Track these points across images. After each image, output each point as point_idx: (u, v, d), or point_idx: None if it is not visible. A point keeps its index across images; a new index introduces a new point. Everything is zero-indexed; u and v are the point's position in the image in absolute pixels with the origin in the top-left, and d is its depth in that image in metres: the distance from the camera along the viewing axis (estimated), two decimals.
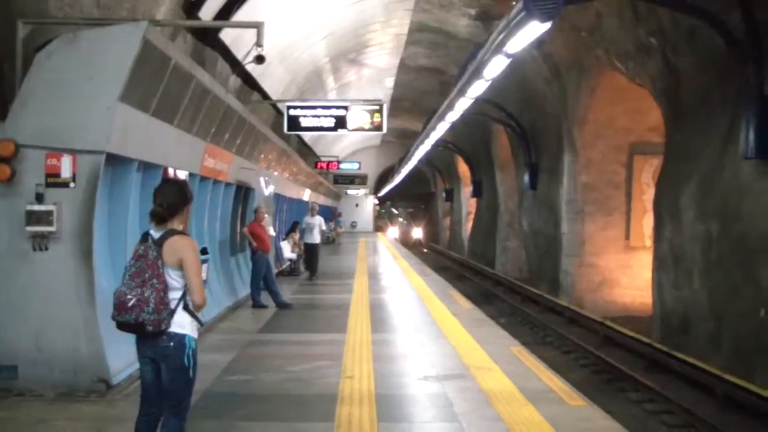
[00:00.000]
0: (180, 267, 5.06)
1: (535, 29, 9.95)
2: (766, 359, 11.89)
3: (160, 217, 5.19)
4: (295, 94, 21.66)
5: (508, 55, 11.32)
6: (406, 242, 57.27)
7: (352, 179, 47.88)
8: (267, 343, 11.64)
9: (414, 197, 77.64)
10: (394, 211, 71.83)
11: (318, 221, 21.10)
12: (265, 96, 18.78)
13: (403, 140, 49.57)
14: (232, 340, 11.60)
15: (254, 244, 15.37)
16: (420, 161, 41.34)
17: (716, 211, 13.82)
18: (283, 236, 22.59)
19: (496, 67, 12.26)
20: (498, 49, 11.06)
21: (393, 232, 65.40)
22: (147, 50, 8.06)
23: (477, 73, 12.90)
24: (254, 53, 10.53)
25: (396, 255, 33.01)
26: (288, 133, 19.72)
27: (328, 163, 36.84)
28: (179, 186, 5.60)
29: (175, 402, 5.12)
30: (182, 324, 5.10)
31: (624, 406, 11.96)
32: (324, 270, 22.79)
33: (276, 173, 21.35)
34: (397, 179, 52.57)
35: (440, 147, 36.01)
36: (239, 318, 14.06)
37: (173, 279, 5.07)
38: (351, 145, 48.90)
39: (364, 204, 65.02)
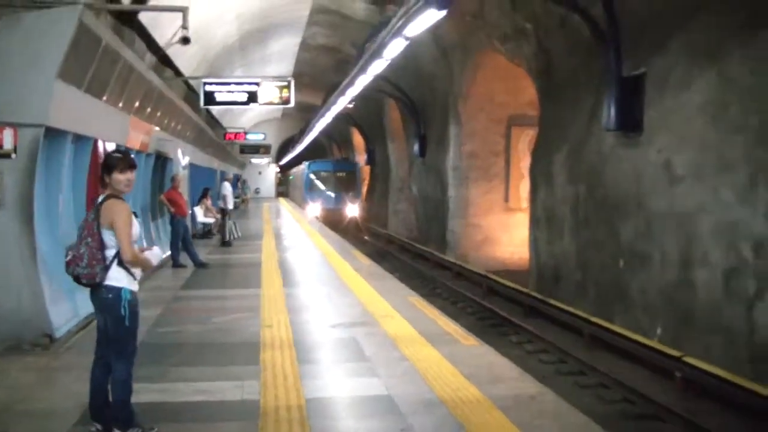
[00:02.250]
0: (113, 227, 5.20)
1: (432, 16, 10.23)
2: (623, 304, 12.60)
3: (103, 183, 5.34)
4: (205, 71, 21.44)
5: (407, 38, 11.60)
6: (335, 223, 35.34)
7: (257, 149, 47.65)
8: (190, 298, 11.72)
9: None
10: (314, 179, 41.04)
11: (230, 189, 20.98)
12: (177, 72, 18.62)
13: (302, 113, 49.36)
14: (157, 296, 11.60)
15: (172, 209, 15.38)
16: (319, 132, 41.35)
17: (583, 176, 14.41)
18: (196, 202, 22.51)
19: (395, 48, 12.52)
20: (398, 32, 11.31)
21: (314, 209, 39.41)
22: (82, 31, 8.10)
23: (377, 53, 13.15)
24: (180, 35, 10.58)
25: (299, 218, 33.07)
26: (200, 108, 19.60)
27: (236, 134, 36.81)
28: (122, 156, 5.73)
29: (119, 347, 5.27)
30: (119, 278, 5.23)
31: (507, 347, 12.44)
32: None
33: (190, 144, 21.25)
34: (299, 149, 52.42)
35: (338, 119, 36.13)
36: (161, 277, 14.05)
37: (108, 238, 5.20)
38: (254, 118, 48.54)
39: (266, 172, 64.88)
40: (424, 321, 9.49)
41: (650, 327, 11.57)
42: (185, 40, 10.82)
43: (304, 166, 43.47)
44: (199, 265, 15.39)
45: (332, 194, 40.00)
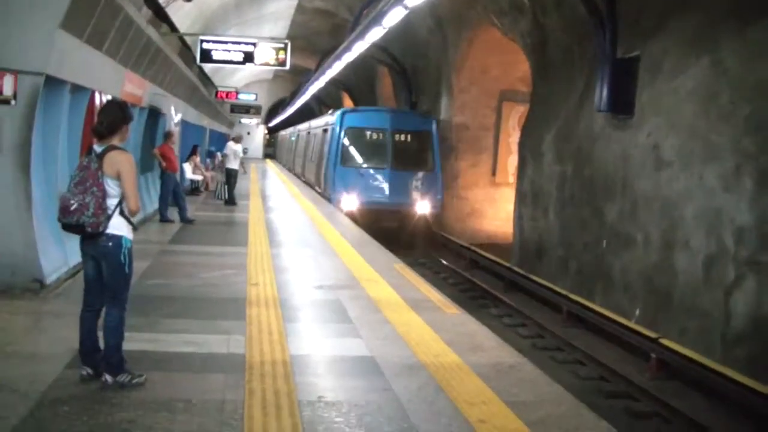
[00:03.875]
0: (117, 177, 5.32)
1: None
2: (604, 283, 12.84)
3: (100, 133, 5.44)
4: (200, 28, 21.31)
5: (407, 7, 11.66)
6: (390, 232, 19.63)
7: (247, 109, 47.58)
8: (177, 253, 11.81)
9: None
10: (351, 145, 22.03)
11: (238, 148, 20.38)
12: (173, 28, 18.55)
13: (294, 76, 49.26)
14: (144, 249, 11.52)
15: (164, 164, 15.45)
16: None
17: (571, 155, 14.60)
18: (185, 159, 22.56)
19: (395, 16, 12.57)
20: (399, 1, 11.41)
21: (350, 202, 20.95)
22: None
23: (377, 21, 13.19)
24: None
25: (285, 180, 33.08)
26: (193, 65, 19.53)
27: (228, 93, 36.68)
28: (120, 106, 5.81)
29: (115, 294, 5.42)
30: (119, 227, 5.38)
31: (486, 319, 12.57)
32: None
33: (183, 100, 21.23)
34: (290, 111, 52.09)
35: (329, 83, 36.02)
36: (148, 230, 14.13)
37: (111, 188, 5.33)
38: (246, 78, 48.29)
39: (255, 132, 64.71)
40: (407, 287, 9.68)
41: (629, 308, 11.82)
42: None
43: (330, 118, 24.58)
44: (187, 221, 15.51)
45: (386, 178, 21.67)
